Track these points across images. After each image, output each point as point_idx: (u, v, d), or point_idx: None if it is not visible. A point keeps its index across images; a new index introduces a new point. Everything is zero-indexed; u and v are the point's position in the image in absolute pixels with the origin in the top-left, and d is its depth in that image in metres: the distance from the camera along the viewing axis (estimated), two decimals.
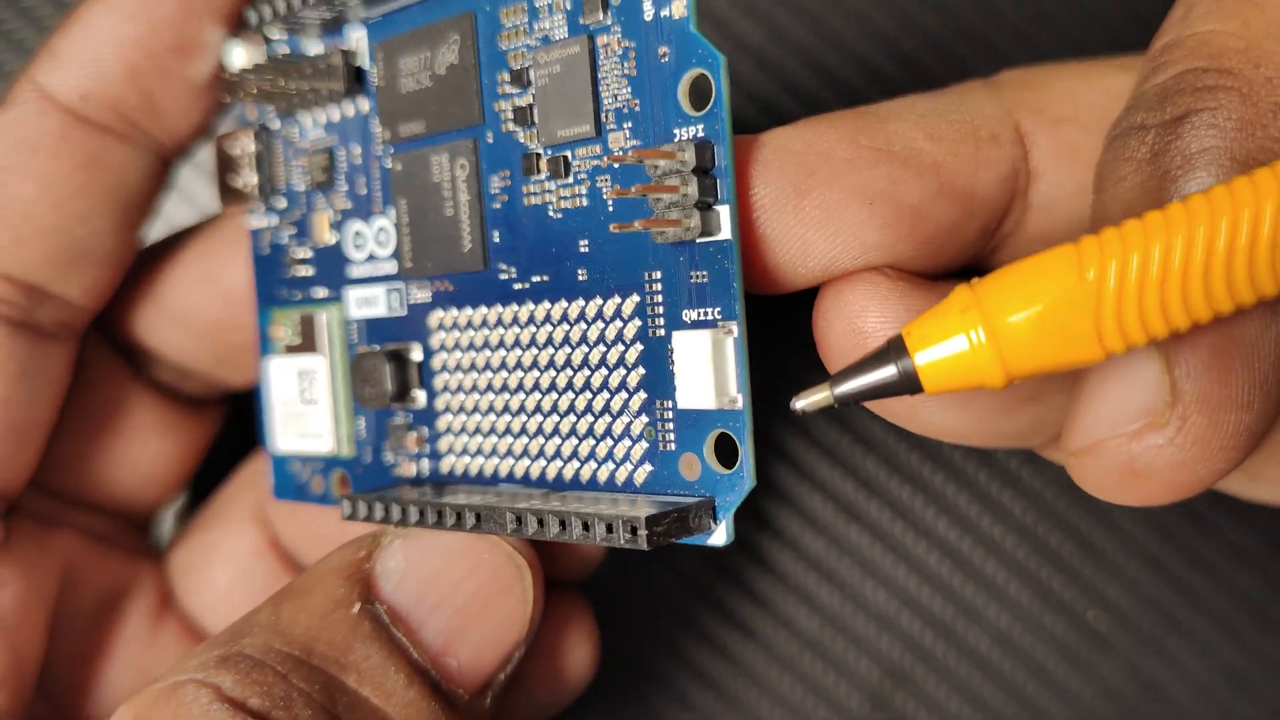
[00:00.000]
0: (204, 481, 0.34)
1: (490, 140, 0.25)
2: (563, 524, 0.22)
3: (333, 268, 0.29)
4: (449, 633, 0.24)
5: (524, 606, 0.25)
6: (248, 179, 0.30)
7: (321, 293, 0.29)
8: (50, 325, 0.28)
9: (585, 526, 0.22)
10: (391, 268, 0.28)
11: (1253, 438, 0.19)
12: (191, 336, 0.31)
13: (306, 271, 0.30)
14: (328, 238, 0.29)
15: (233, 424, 0.34)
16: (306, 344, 0.29)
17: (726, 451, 0.22)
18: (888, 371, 0.20)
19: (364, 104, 0.28)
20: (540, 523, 0.23)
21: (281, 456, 0.31)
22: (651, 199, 0.22)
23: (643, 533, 0.21)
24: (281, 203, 0.30)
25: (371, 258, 0.28)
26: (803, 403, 0.21)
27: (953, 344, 0.20)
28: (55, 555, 0.29)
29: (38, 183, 0.27)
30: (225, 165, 0.30)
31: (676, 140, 0.22)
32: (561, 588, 0.30)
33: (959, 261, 0.24)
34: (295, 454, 0.30)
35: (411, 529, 0.25)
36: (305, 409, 0.29)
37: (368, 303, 0.28)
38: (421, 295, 0.27)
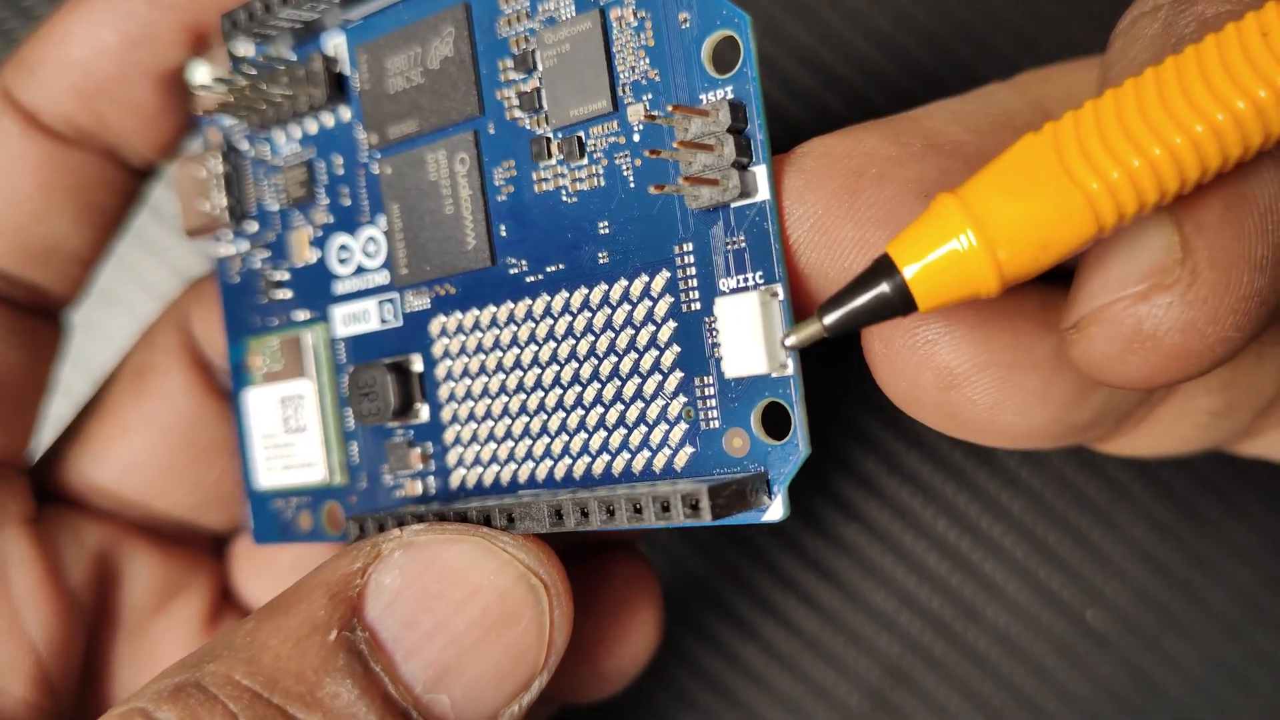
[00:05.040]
0: None
1: (492, 131, 0.24)
2: (610, 510, 0.21)
3: (315, 287, 0.28)
4: (441, 665, 0.21)
5: (538, 635, 0.22)
6: (216, 202, 0.28)
7: (303, 315, 0.28)
8: (28, 302, 0.29)
9: (637, 509, 0.21)
10: (383, 278, 0.26)
11: (1264, 306, 0.18)
12: None
13: (284, 295, 0.28)
14: (308, 256, 0.28)
15: None
16: (290, 369, 0.28)
17: (774, 422, 0.21)
18: (879, 290, 0.19)
19: (345, 112, 0.27)
20: (584, 512, 0.21)
21: (262, 494, 0.29)
22: (684, 163, 0.21)
23: (706, 504, 0.20)
24: (253, 226, 0.29)
25: (360, 270, 0.27)
26: (793, 338, 0.20)
27: (942, 252, 0.18)
28: (90, 543, 0.29)
29: None
30: (190, 190, 0.29)
31: (705, 103, 0.21)
32: (624, 549, 0.28)
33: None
34: (282, 489, 0.28)
35: (418, 538, 0.23)
36: (291, 438, 0.28)
37: (356, 318, 0.27)
38: (419, 303, 0.26)
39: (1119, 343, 0.19)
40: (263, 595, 0.31)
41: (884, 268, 0.19)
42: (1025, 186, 0.18)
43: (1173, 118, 0.17)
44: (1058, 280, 0.21)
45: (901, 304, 0.19)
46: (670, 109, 0.21)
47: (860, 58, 0.34)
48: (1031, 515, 0.34)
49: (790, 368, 0.21)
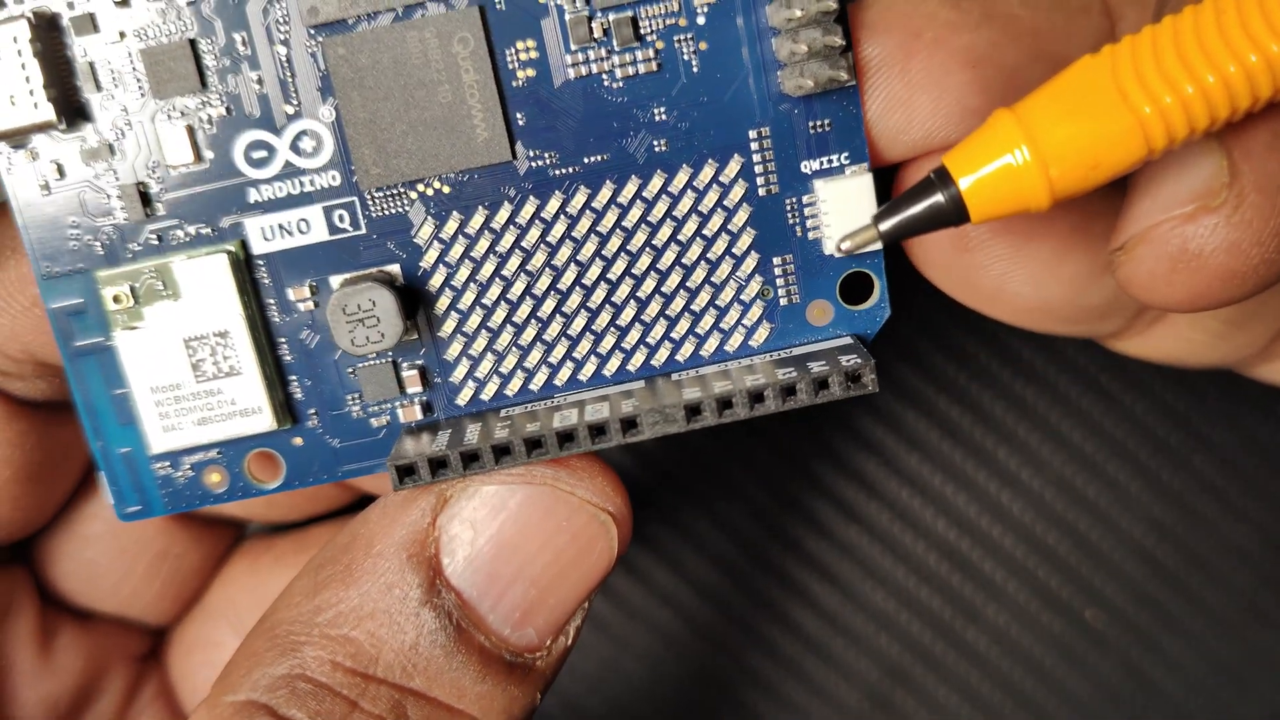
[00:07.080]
0: None
1: (501, 7, 0.22)
2: (759, 397, 0.22)
3: (207, 197, 0.22)
4: (525, 606, 0.22)
5: (609, 556, 0.22)
6: (34, 94, 0.21)
7: (186, 231, 0.22)
8: None
9: (790, 390, 0.22)
10: (330, 180, 0.22)
11: None
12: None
13: (159, 213, 0.22)
14: (189, 157, 0.22)
15: None
16: (195, 301, 0.22)
17: (849, 291, 0.23)
18: (934, 200, 0.20)
19: None
20: (727, 404, 0.22)
21: (130, 461, 0.23)
22: (789, 52, 0.21)
23: (869, 376, 0.21)
24: (82, 125, 0.22)
25: (290, 173, 0.22)
26: (848, 242, 0.21)
27: (996, 165, 0.20)
28: None
29: None
30: None
31: None
32: None
33: None
34: (195, 446, 0.23)
35: (486, 486, 0.22)
36: (215, 385, 0.23)
37: (287, 230, 0.22)
38: (395, 206, 0.22)
39: (1165, 262, 0.19)
40: (81, 589, 0.28)
41: (940, 179, 0.20)
42: (1080, 107, 0.19)
43: (1228, 47, 0.19)
44: None
45: (955, 214, 0.20)
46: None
47: None
48: (1031, 515, 0.34)
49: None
